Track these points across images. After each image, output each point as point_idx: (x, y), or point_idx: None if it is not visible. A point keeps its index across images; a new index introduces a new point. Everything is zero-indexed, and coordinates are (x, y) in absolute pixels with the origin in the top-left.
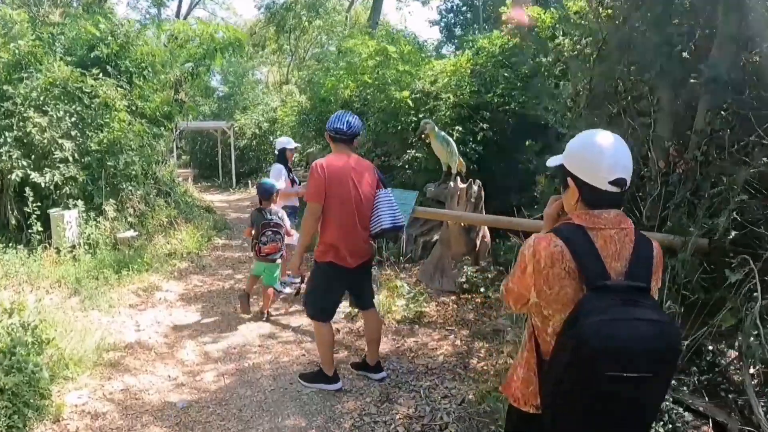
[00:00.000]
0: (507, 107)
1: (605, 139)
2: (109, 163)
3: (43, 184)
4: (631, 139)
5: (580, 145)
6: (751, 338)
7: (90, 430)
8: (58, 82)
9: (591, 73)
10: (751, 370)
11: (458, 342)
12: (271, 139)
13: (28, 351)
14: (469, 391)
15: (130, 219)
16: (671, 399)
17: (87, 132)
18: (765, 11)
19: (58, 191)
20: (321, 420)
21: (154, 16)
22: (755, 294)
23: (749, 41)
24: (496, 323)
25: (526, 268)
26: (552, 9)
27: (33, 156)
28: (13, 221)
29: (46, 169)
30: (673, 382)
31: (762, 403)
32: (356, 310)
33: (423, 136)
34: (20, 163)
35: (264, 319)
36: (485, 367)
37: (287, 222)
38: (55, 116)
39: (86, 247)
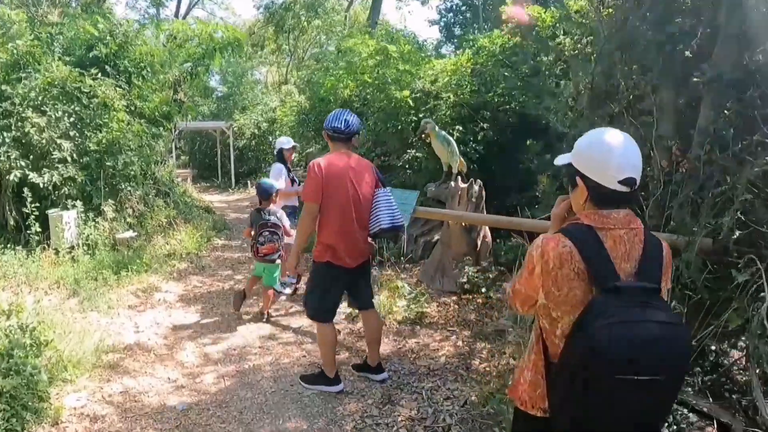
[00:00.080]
0: (508, 107)
1: (614, 137)
2: (107, 164)
3: (41, 185)
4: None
5: (588, 144)
6: (757, 339)
7: None
8: (56, 82)
9: (592, 72)
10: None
11: (460, 343)
12: (271, 139)
13: (26, 353)
14: (472, 393)
15: (129, 219)
16: (676, 400)
17: (86, 132)
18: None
19: (56, 192)
20: (322, 422)
21: (152, 16)
22: (762, 294)
23: (752, 40)
24: (497, 324)
25: (534, 270)
26: (553, 8)
27: (31, 156)
28: (12, 222)
29: (44, 169)
30: None
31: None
32: (356, 310)
33: (423, 135)
34: (18, 164)
35: (264, 320)
36: (488, 369)
37: (286, 222)
38: (53, 116)
39: (85, 247)
